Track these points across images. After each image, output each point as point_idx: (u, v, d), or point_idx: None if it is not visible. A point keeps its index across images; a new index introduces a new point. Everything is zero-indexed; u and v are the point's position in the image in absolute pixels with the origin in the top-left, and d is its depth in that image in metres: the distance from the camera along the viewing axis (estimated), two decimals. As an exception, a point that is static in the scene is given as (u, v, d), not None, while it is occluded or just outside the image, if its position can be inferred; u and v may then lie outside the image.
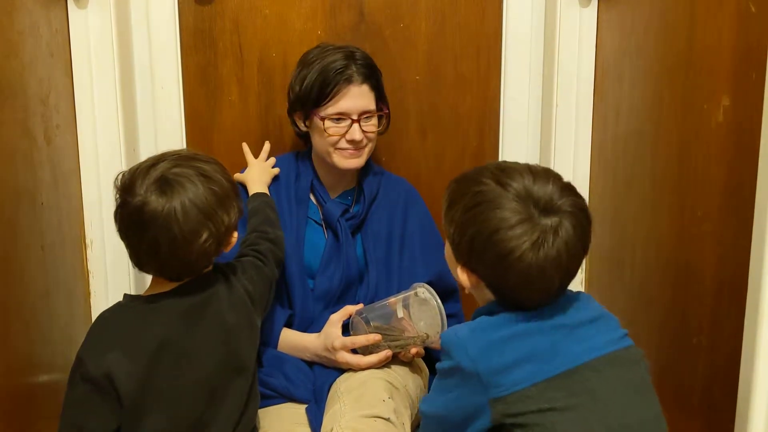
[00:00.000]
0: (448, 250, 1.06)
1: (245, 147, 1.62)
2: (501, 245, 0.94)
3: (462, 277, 1.03)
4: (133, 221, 1.07)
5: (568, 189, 0.99)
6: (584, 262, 1.72)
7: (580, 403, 0.93)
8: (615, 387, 0.96)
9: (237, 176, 1.55)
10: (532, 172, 0.99)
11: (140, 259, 1.11)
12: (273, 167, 1.59)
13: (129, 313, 1.13)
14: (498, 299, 1.01)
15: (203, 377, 1.12)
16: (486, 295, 1.03)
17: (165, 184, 1.08)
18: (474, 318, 1.04)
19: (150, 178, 1.08)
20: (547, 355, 0.94)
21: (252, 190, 1.51)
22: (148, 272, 1.14)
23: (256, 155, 1.64)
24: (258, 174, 1.54)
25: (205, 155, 1.17)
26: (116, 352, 1.08)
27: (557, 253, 0.94)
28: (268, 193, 1.51)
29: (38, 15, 1.38)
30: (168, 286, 1.14)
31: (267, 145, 1.64)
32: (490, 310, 1.02)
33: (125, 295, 1.16)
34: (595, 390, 0.94)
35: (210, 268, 1.18)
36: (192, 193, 1.08)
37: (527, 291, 0.97)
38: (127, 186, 1.09)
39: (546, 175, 0.99)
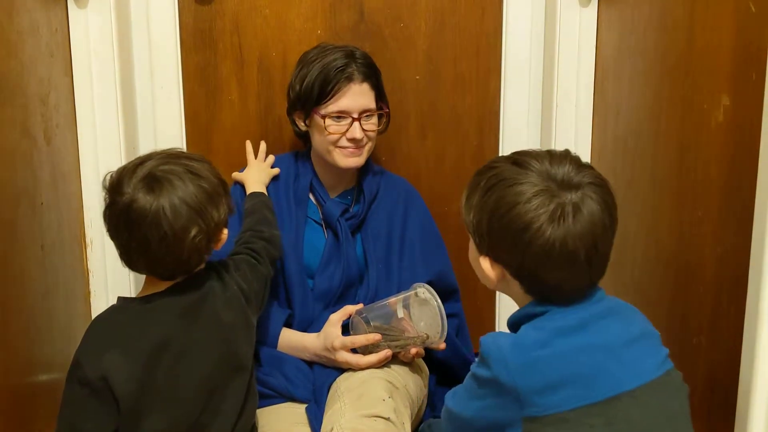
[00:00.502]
0: (471, 247, 1.04)
1: (248, 145, 1.62)
2: (518, 220, 0.92)
3: (486, 268, 1.00)
4: (122, 220, 1.07)
5: (587, 166, 0.97)
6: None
7: (617, 431, 0.90)
8: (654, 417, 0.92)
9: (235, 175, 1.55)
10: (550, 154, 0.98)
11: (131, 257, 1.10)
12: (272, 167, 1.59)
13: (125, 314, 1.12)
14: (531, 294, 0.98)
15: (201, 376, 1.12)
16: (516, 291, 1.00)
17: (153, 182, 1.07)
18: (512, 323, 1.01)
19: (137, 176, 1.07)
20: (590, 380, 0.91)
21: (249, 190, 1.50)
22: (139, 271, 1.13)
23: (256, 155, 1.64)
24: (256, 174, 1.54)
25: (193, 153, 1.17)
26: (113, 353, 1.07)
27: (581, 228, 0.91)
28: (265, 192, 1.51)
29: (38, 15, 1.38)
30: (162, 286, 1.13)
31: (263, 145, 1.64)
32: (529, 314, 0.98)
33: (119, 298, 1.15)
34: (634, 421, 0.91)
35: (202, 266, 1.17)
36: (180, 190, 1.07)
37: (553, 272, 0.93)
38: (114, 185, 1.09)
39: (563, 155, 0.98)
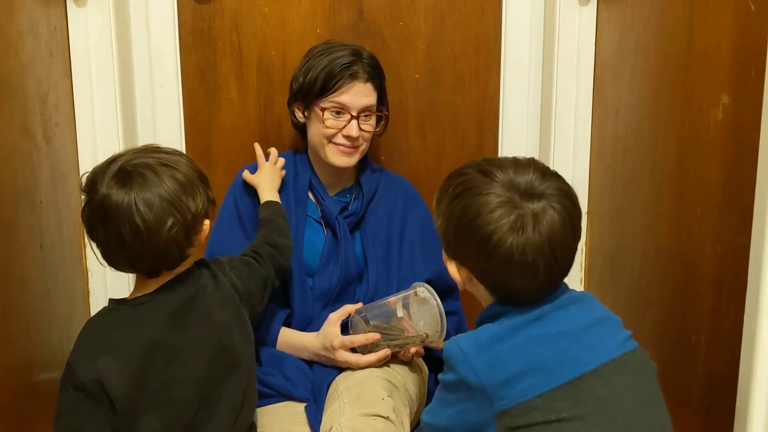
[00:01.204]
0: (444, 253, 1.07)
1: (257, 148, 1.58)
2: (481, 229, 0.95)
3: (453, 272, 1.04)
4: (97, 217, 1.06)
5: (551, 174, 1.00)
6: (583, 261, 1.73)
7: (586, 412, 0.92)
8: (622, 394, 0.94)
9: (246, 177, 1.53)
10: (515, 162, 1.00)
11: (110, 255, 1.09)
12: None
13: (116, 316, 1.11)
14: (495, 296, 1.01)
15: (196, 376, 1.12)
16: (482, 293, 1.03)
17: (124, 177, 1.06)
18: (478, 323, 1.03)
19: (110, 173, 1.07)
20: (553, 365, 0.93)
21: (263, 197, 1.48)
22: (121, 269, 1.11)
23: (254, 152, 1.63)
24: (269, 179, 1.51)
25: (168, 147, 1.16)
26: (106, 357, 1.07)
27: (540, 237, 0.93)
28: (279, 200, 1.49)
29: (37, 14, 1.38)
30: (152, 286, 1.13)
31: (274, 150, 1.59)
32: (492, 314, 1.01)
33: (111, 300, 1.14)
34: (602, 398, 0.93)
35: (189, 261, 1.16)
36: (153, 182, 1.06)
37: (515, 279, 0.96)
38: (89, 184, 1.08)
39: (528, 163, 1.00)
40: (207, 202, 1.14)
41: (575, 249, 1.00)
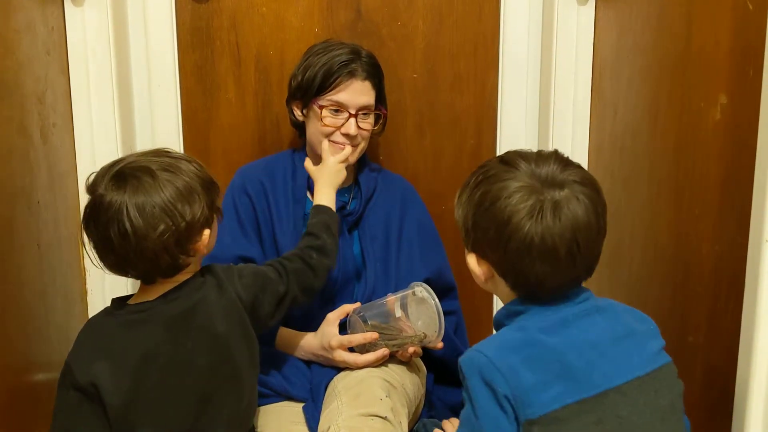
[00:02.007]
0: (465, 249, 1.04)
1: (325, 142, 1.47)
2: (499, 213, 0.93)
3: (473, 265, 1.01)
4: (91, 217, 1.06)
5: (573, 165, 0.99)
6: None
7: (608, 430, 0.90)
8: (642, 414, 0.92)
9: (307, 166, 1.47)
10: (537, 153, 1.00)
11: (99, 255, 1.08)
12: (269, 165, 1.57)
13: (115, 321, 1.10)
14: (516, 292, 0.99)
15: (193, 388, 1.09)
16: (503, 290, 1.01)
17: (121, 179, 1.05)
18: (496, 322, 1.01)
19: (110, 174, 1.06)
20: (580, 374, 0.91)
21: (318, 196, 1.40)
22: (112, 270, 1.10)
23: (253, 153, 1.63)
24: (331, 174, 1.43)
25: (178, 153, 1.14)
26: (102, 363, 1.06)
27: (561, 224, 0.91)
28: (334, 203, 1.41)
29: (34, 13, 1.38)
30: (153, 294, 1.11)
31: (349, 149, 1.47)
32: (511, 312, 0.99)
33: (113, 301, 1.13)
34: (623, 417, 0.91)
35: (188, 269, 1.13)
36: (148, 186, 1.05)
37: (534, 265, 0.93)
38: (91, 184, 1.08)
39: (550, 154, 0.99)
40: (208, 210, 1.11)
41: (600, 242, 0.97)
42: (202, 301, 1.12)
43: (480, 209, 0.96)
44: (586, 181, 0.96)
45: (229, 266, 1.20)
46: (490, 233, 0.95)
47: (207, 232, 1.12)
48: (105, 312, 1.13)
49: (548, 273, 0.94)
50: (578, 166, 0.99)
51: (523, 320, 0.97)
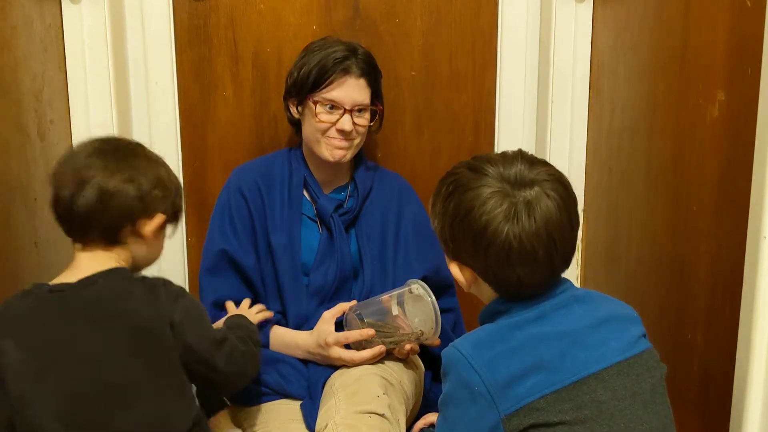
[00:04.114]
0: (446, 257, 1.06)
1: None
2: (476, 222, 0.95)
3: (456, 274, 1.03)
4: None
5: (539, 162, 1.00)
6: (579, 257, 1.73)
7: (587, 416, 0.91)
8: (623, 398, 0.93)
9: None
10: (503, 156, 1.01)
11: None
12: (265, 164, 1.57)
13: (30, 301, 1.04)
14: (500, 294, 1.00)
15: (104, 381, 1.01)
16: (487, 293, 1.02)
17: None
18: (480, 322, 1.02)
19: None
20: (554, 365, 0.92)
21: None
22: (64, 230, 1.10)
23: (250, 150, 1.62)
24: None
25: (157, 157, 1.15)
26: (9, 341, 1.01)
27: (536, 224, 0.93)
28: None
29: (31, 10, 1.38)
30: (75, 275, 1.06)
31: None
32: (493, 311, 1.00)
33: (33, 284, 1.07)
34: (603, 402, 0.92)
35: (120, 259, 1.08)
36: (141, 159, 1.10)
37: (515, 269, 0.95)
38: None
39: (515, 155, 1.01)
40: (170, 205, 1.11)
41: (574, 236, 0.99)
42: (124, 291, 1.06)
43: (456, 220, 0.98)
44: (555, 177, 0.98)
45: (172, 286, 1.10)
46: (469, 242, 0.97)
47: (158, 220, 1.09)
48: (23, 292, 1.06)
49: (528, 273, 0.96)
50: (545, 163, 1.01)
51: (504, 318, 0.98)
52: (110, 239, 1.09)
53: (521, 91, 1.78)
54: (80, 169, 1.06)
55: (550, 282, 0.99)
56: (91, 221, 1.07)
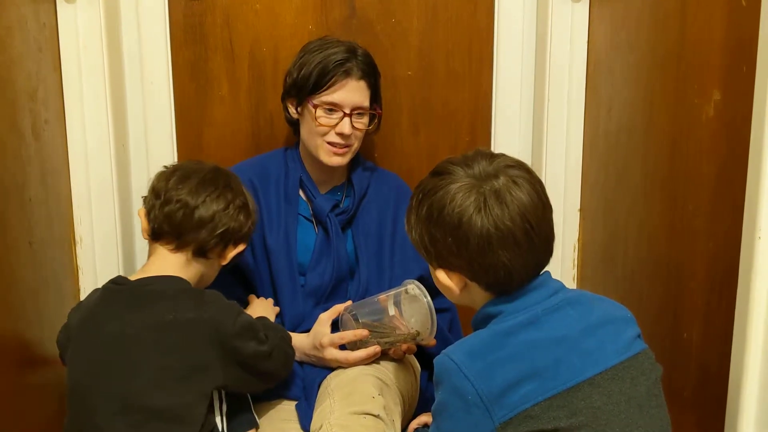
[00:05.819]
0: (431, 269, 1.06)
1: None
2: (450, 218, 0.96)
3: (445, 280, 1.02)
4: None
5: (498, 155, 1.02)
6: (576, 257, 1.73)
7: (582, 422, 0.90)
8: (618, 403, 0.92)
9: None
10: (464, 157, 1.03)
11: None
12: (263, 164, 1.56)
13: (101, 289, 1.23)
14: (489, 291, 1.00)
15: (120, 353, 1.15)
16: (478, 294, 1.02)
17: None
18: (474, 326, 1.02)
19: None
20: (548, 372, 0.91)
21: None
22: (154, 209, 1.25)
23: (246, 150, 1.62)
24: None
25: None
26: (76, 313, 1.24)
27: (509, 210, 0.95)
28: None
29: (26, 9, 1.37)
30: (145, 273, 1.22)
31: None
32: (484, 316, 1.00)
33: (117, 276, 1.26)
34: (597, 408, 0.91)
35: (190, 269, 1.23)
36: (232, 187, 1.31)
37: (498, 255, 0.95)
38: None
39: (474, 154, 1.03)
40: (249, 236, 1.30)
41: (549, 216, 1.00)
42: (168, 292, 1.18)
43: (431, 222, 0.99)
44: (516, 164, 1.00)
45: (226, 302, 1.22)
46: (449, 240, 0.98)
47: (240, 248, 1.28)
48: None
49: (513, 259, 0.96)
50: (503, 155, 1.02)
51: (495, 323, 0.98)
52: (200, 252, 1.24)
53: (518, 90, 1.78)
54: (219, 188, 1.25)
55: (536, 269, 0.99)
56: (198, 231, 1.23)
